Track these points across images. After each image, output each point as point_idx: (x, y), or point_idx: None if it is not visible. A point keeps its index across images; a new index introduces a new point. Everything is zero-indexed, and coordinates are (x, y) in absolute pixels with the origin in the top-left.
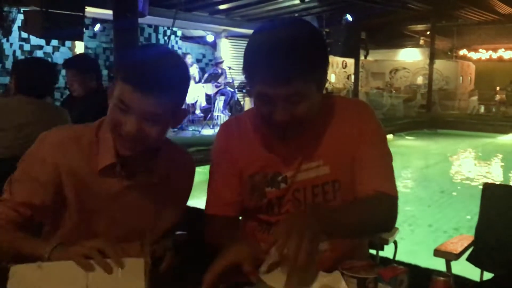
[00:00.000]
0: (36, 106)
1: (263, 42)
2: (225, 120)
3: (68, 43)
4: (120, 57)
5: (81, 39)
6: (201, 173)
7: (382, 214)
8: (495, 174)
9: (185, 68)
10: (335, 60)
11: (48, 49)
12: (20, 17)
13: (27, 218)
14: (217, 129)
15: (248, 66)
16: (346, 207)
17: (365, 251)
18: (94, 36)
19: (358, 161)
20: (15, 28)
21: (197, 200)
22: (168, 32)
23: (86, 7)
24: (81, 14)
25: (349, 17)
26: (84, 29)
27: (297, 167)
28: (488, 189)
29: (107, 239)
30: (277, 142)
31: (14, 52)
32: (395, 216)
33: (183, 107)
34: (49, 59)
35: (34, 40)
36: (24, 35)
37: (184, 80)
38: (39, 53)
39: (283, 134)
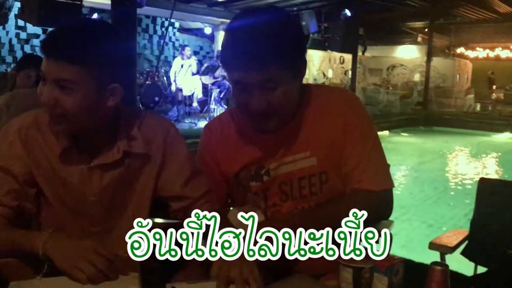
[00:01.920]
0: None
1: (237, 28)
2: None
3: None
4: None
5: None
6: None
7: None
8: (490, 172)
9: (107, 35)
10: (332, 55)
11: None
12: (17, 4)
13: (16, 209)
14: None
15: (224, 54)
16: (314, 212)
17: None
18: None
19: (344, 158)
20: (11, 16)
21: None
22: (166, 23)
23: None
24: (79, 3)
25: (347, 13)
26: None
27: (280, 159)
28: (484, 184)
29: (88, 228)
30: (259, 136)
31: (10, 40)
32: (379, 209)
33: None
34: None
35: (31, 29)
36: (21, 23)
37: (101, 46)
38: (35, 42)
39: (263, 124)
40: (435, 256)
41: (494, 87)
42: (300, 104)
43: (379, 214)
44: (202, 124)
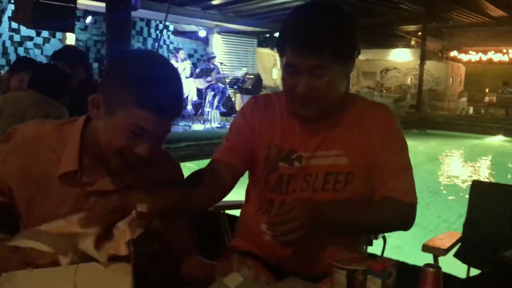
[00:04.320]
0: (48, 103)
1: (299, 15)
2: (216, 116)
3: (58, 34)
4: (129, 78)
5: (72, 31)
6: (192, 169)
7: (389, 218)
8: (482, 174)
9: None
10: None
11: (39, 40)
12: (11, 7)
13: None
14: (207, 125)
15: (282, 37)
16: (350, 206)
17: (360, 248)
18: (85, 28)
19: (379, 169)
20: (5, 18)
21: None
22: (160, 26)
23: None
24: (73, 5)
25: None
26: (75, 21)
27: (313, 150)
28: (476, 186)
29: None
30: (298, 123)
31: (4, 42)
32: (407, 221)
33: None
34: (40, 50)
35: (25, 31)
36: (15, 25)
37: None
38: (29, 44)
39: (304, 110)
40: (428, 258)
41: (487, 90)
42: (342, 106)
43: (405, 225)
44: (196, 127)
